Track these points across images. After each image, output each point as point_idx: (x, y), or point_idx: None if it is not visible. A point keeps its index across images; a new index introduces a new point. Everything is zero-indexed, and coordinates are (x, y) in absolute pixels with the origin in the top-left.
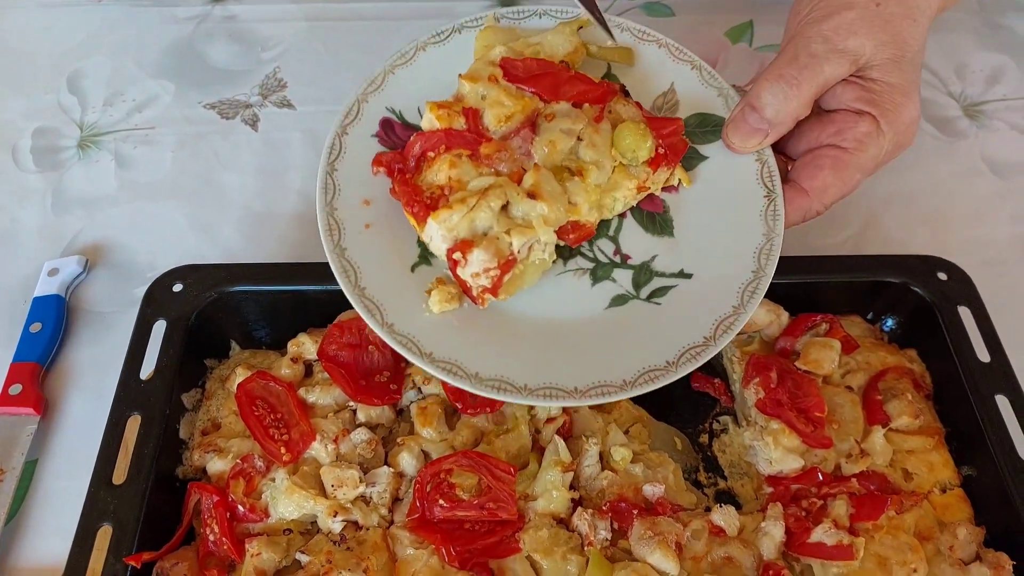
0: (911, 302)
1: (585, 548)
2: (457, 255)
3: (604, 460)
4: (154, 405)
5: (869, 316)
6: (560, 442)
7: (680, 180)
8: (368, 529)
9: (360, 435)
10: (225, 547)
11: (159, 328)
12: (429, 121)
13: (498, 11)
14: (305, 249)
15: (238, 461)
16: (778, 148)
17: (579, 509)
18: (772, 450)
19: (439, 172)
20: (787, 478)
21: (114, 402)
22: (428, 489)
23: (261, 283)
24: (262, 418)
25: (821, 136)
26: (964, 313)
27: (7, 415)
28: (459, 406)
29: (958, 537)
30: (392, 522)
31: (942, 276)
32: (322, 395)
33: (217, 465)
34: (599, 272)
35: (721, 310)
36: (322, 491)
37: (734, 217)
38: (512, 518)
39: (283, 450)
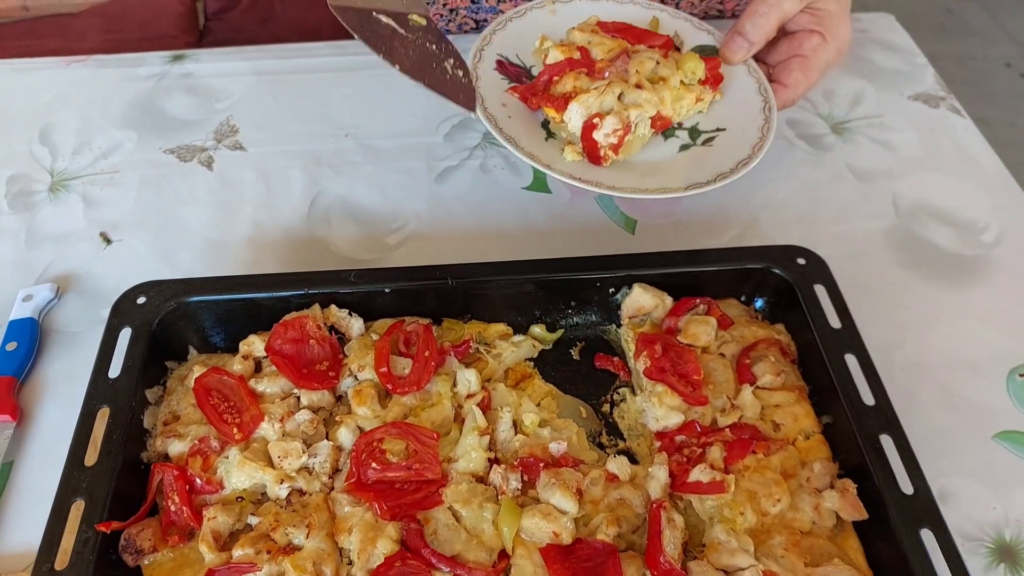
0: (776, 284)
1: (499, 498)
2: (596, 120)
3: (517, 427)
4: (121, 398)
5: (743, 298)
6: (477, 411)
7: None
8: (311, 494)
9: (303, 415)
10: (185, 515)
11: (125, 335)
12: (554, 56)
13: None
14: (256, 267)
15: (195, 442)
16: (761, 59)
17: (494, 466)
18: (658, 409)
19: (566, 84)
20: (671, 432)
21: (85, 397)
22: (363, 456)
23: (215, 293)
24: (217, 406)
25: (788, 50)
26: (820, 290)
27: None
28: (390, 387)
29: (814, 471)
30: (333, 488)
31: (801, 261)
32: (270, 384)
33: (177, 447)
34: (666, 133)
35: (742, 155)
36: (270, 463)
37: (744, 111)
38: (436, 477)
39: (235, 430)
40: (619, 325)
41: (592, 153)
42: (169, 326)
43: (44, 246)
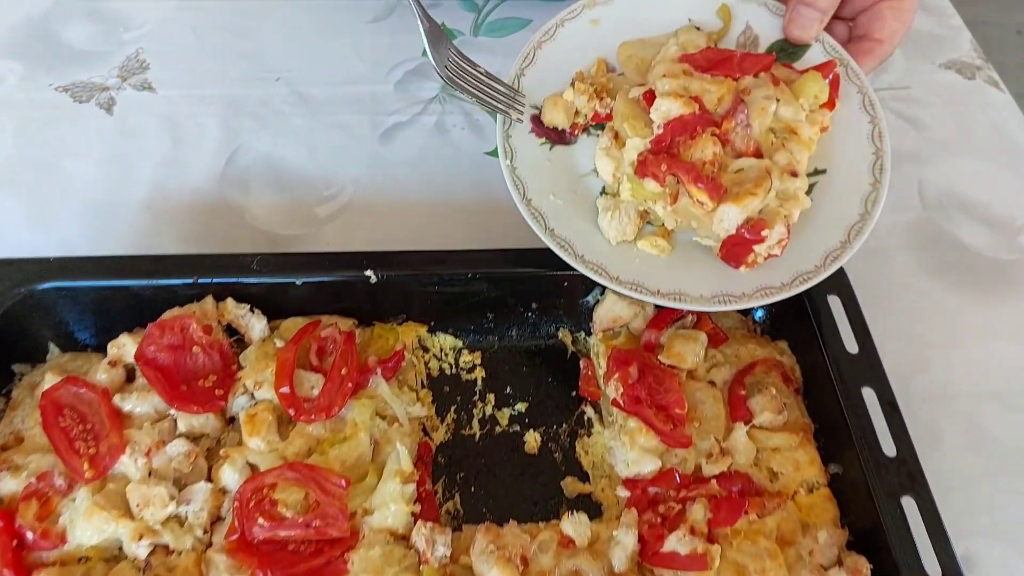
0: None
1: (421, 567)
2: (765, 232)
3: None
4: None
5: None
6: (402, 450)
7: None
8: (180, 553)
9: (177, 447)
10: None
11: None
12: (664, 112)
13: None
14: (156, 239)
15: (32, 480)
16: (835, 15)
17: (418, 523)
18: (628, 451)
19: (704, 150)
20: (644, 481)
21: None
22: (249, 507)
23: (79, 279)
24: (69, 429)
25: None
26: (833, 302)
27: None
28: (292, 412)
29: (819, 541)
30: (211, 544)
31: None
32: (139, 402)
33: (9, 485)
34: None
35: (851, 219)
36: (128, 512)
37: (845, 138)
38: (343, 535)
39: (86, 466)
40: (589, 333)
41: (737, 259)
42: (17, 319)
43: None
